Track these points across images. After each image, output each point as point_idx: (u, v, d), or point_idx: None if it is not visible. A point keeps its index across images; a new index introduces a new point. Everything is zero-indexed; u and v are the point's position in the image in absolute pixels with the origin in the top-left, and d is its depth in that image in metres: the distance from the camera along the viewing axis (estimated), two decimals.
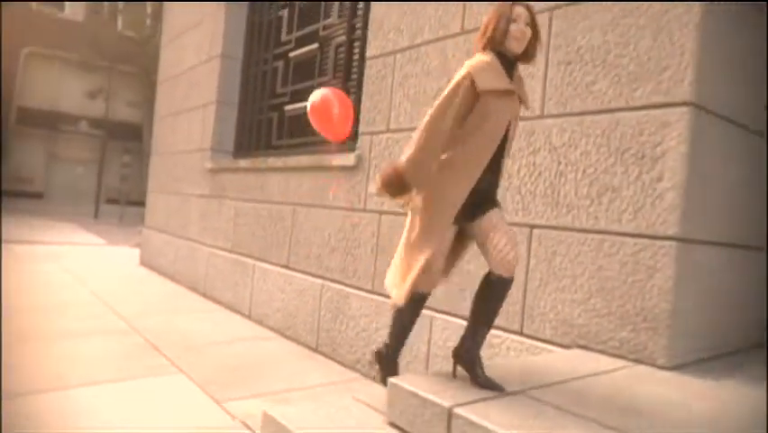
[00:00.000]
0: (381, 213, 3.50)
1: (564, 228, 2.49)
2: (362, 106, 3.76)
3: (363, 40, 4.03)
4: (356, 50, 4.24)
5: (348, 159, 3.80)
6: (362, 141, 3.72)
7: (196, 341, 3.94)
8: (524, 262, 2.61)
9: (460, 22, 3.10)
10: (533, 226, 2.62)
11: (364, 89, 3.78)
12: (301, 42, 5.02)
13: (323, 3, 4.77)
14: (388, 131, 3.53)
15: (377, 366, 2.17)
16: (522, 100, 1.95)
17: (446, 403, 1.59)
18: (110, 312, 4.55)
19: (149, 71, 15.13)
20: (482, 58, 1.88)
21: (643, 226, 2.22)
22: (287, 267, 4.39)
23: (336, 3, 4.60)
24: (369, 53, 3.77)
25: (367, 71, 3.77)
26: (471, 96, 1.81)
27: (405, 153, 1.87)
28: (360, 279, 3.64)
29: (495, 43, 1.89)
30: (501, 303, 1.92)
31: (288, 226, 4.43)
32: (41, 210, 16.84)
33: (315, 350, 3.93)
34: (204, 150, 6.00)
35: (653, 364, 2.15)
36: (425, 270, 1.89)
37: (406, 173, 1.84)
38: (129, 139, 20.30)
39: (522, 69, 2.36)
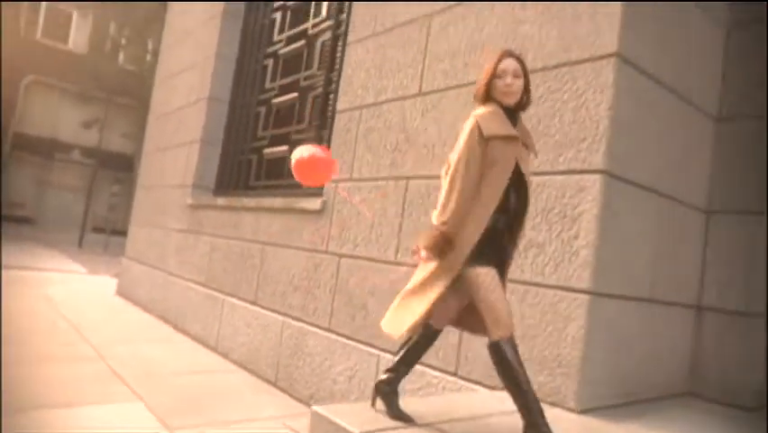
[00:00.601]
0: (341, 256, 3.72)
1: None
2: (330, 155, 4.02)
3: (336, 93, 4.34)
4: (330, 102, 4.55)
5: (314, 204, 4.04)
6: (328, 188, 3.97)
7: (160, 370, 4.08)
8: None
9: (418, 84, 3.40)
10: None
11: (332, 140, 4.06)
12: (283, 90, 5.33)
13: (305, 54, 5.12)
14: (351, 179, 3.79)
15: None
16: (528, 147, 2.04)
17: (356, 430, 1.78)
18: (80, 339, 4.68)
19: (145, 104, 15.50)
20: (486, 108, 1.99)
21: (561, 279, 2.45)
22: (254, 303, 4.57)
23: (316, 56, 4.93)
24: (339, 107, 4.07)
25: (336, 123, 4.06)
26: (482, 144, 1.91)
27: (440, 214, 1.94)
28: (318, 317, 3.82)
29: (484, 99, 2.02)
30: (424, 351, 2.11)
31: (258, 264, 4.63)
32: (28, 236, 16.89)
33: (274, 384, 4.08)
34: (186, 186, 6.24)
35: (566, 407, 2.34)
36: (437, 303, 1.94)
37: (451, 233, 1.90)
38: (120, 169, 20.56)
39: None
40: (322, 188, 4.07)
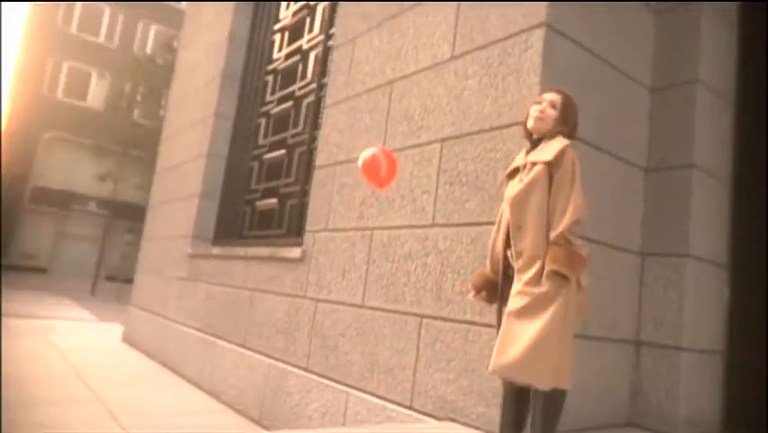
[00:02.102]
0: (317, 300, 4.04)
1: (443, 318, 3.01)
2: (309, 208, 4.41)
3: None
4: (314, 159, 4.95)
5: (295, 252, 4.39)
6: (307, 237, 4.32)
7: (153, 411, 4.36)
8: (415, 347, 3.11)
9: (382, 144, 3.78)
10: (422, 316, 3.14)
11: (311, 194, 4.44)
12: (274, 147, 5.77)
13: (292, 114, 5.57)
14: (326, 229, 4.14)
15: None
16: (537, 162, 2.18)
17: None
18: (81, 383, 4.99)
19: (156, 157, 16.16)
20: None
21: (494, 319, 2.74)
22: (242, 346, 4.87)
23: (302, 115, 5.38)
24: (317, 163, 4.47)
25: (314, 179, 4.44)
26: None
27: (562, 225, 2.06)
28: (298, 358, 4.11)
29: (524, 126, 2.29)
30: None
31: (246, 309, 4.95)
32: (42, 285, 17.39)
33: (258, 423, 4.33)
34: (187, 236, 6.63)
35: None
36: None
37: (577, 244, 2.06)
38: (133, 219, 21.18)
39: (422, 185, 3.01)
40: (301, 237, 4.43)
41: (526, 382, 2.04)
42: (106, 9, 24.81)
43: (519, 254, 2.13)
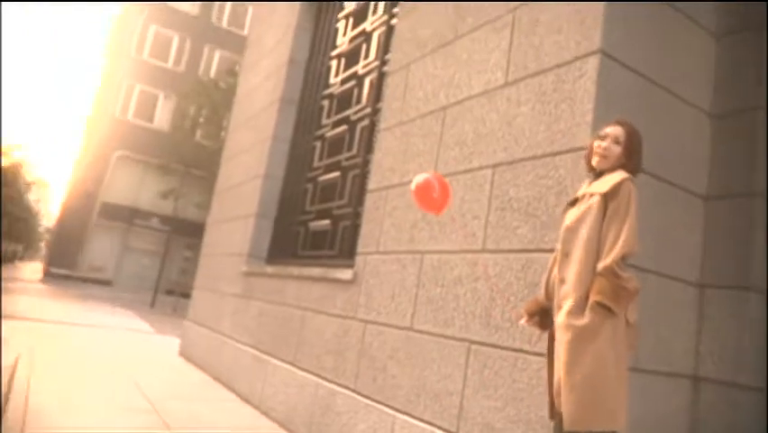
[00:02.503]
0: (367, 322, 4.08)
1: (492, 345, 2.99)
2: (361, 231, 4.48)
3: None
4: (367, 182, 5.04)
5: (347, 274, 4.46)
6: (358, 259, 4.39)
7: (204, 424, 4.48)
8: (462, 373, 3.10)
9: (433, 168, 3.83)
10: (471, 342, 3.13)
11: (364, 217, 4.51)
12: (328, 169, 5.92)
13: (347, 138, 5.71)
14: (377, 252, 4.20)
15: None
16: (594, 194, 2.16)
17: None
18: (139, 393, 5.19)
19: (216, 177, 16.83)
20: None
21: (544, 348, 2.70)
22: (293, 364, 4.96)
23: (356, 139, 5.50)
24: (370, 186, 4.55)
25: (367, 202, 4.52)
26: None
27: (615, 261, 2.02)
28: (346, 378, 4.15)
29: (587, 161, 2.29)
30: None
31: (297, 328, 5.05)
32: (106, 296, 18.26)
33: None
34: (242, 255, 6.84)
35: None
36: None
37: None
38: (192, 236, 22.01)
39: (473, 210, 3.03)
40: (353, 259, 4.50)
41: (586, 430, 1.97)
42: (175, 36, 26.22)
43: (563, 281, 2.14)
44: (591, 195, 2.18)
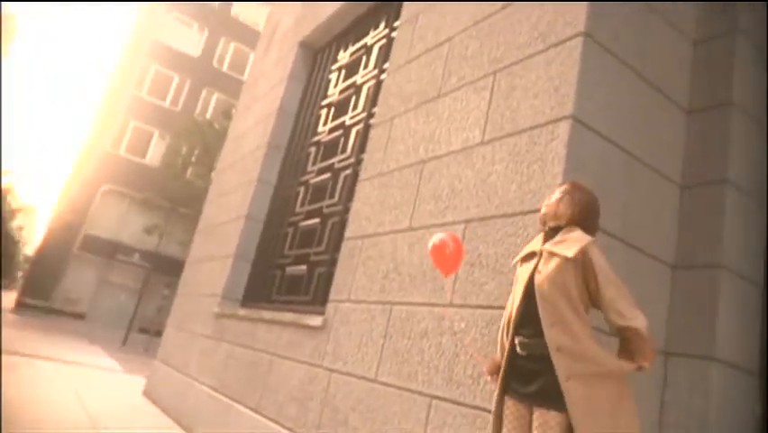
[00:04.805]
0: (332, 371, 4.01)
1: (453, 401, 2.94)
2: (334, 278, 4.46)
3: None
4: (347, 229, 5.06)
5: (316, 321, 4.41)
6: (329, 307, 4.35)
7: None
8: (422, 429, 3.03)
9: (408, 221, 3.86)
10: (432, 397, 3.08)
11: (338, 264, 4.51)
12: (309, 215, 5.94)
13: (329, 185, 5.76)
14: (348, 300, 4.17)
15: None
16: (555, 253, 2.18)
17: None
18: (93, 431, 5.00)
19: None
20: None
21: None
22: (256, 411, 4.82)
23: (339, 187, 5.55)
24: (347, 234, 4.57)
25: (342, 249, 4.53)
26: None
27: (630, 316, 2.11)
28: (308, 429, 4.03)
29: (541, 219, 2.36)
30: None
31: (264, 373, 4.94)
32: (77, 331, 17.78)
33: None
34: (216, 295, 6.76)
35: None
36: None
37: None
38: (173, 274, 21.71)
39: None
40: (325, 306, 4.46)
41: None
42: (175, 76, 26.72)
43: (558, 349, 2.06)
44: (551, 254, 2.19)
